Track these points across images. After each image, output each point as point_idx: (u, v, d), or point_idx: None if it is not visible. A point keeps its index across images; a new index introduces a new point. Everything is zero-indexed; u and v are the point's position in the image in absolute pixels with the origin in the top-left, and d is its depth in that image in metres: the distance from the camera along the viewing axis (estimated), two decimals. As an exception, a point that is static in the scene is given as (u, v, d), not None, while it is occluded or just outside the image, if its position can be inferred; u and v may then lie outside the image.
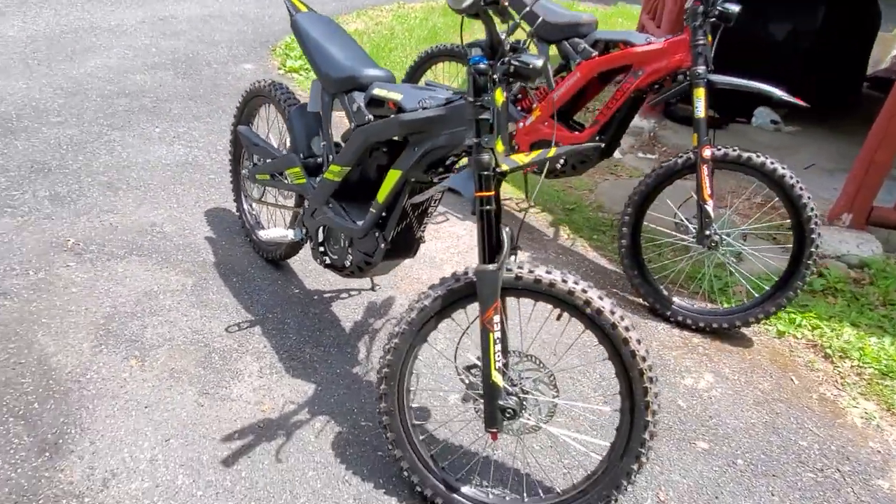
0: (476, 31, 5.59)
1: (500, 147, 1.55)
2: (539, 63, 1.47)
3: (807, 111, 4.79)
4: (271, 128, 2.73)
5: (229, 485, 1.76)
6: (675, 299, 2.65)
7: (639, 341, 1.57)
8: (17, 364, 2.06)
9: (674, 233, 2.72)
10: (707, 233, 2.49)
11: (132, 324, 2.29)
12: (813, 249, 2.40)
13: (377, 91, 1.83)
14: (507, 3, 1.40)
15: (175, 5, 6.01)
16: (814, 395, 2.39)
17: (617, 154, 4.05)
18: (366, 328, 2.43)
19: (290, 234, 2.22)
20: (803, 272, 2.43)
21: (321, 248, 2.18)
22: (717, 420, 2.22)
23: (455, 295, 1.66)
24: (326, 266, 2.20)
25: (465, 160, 1.78)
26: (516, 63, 1.47)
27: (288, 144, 2.48)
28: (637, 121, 4.35)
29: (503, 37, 1.49)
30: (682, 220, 2.63)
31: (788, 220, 2.45)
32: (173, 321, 2.33)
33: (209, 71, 4.65)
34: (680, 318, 2.62)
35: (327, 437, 1.95)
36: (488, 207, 1.55)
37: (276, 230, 2.21)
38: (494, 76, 1.48)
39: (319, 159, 2.25)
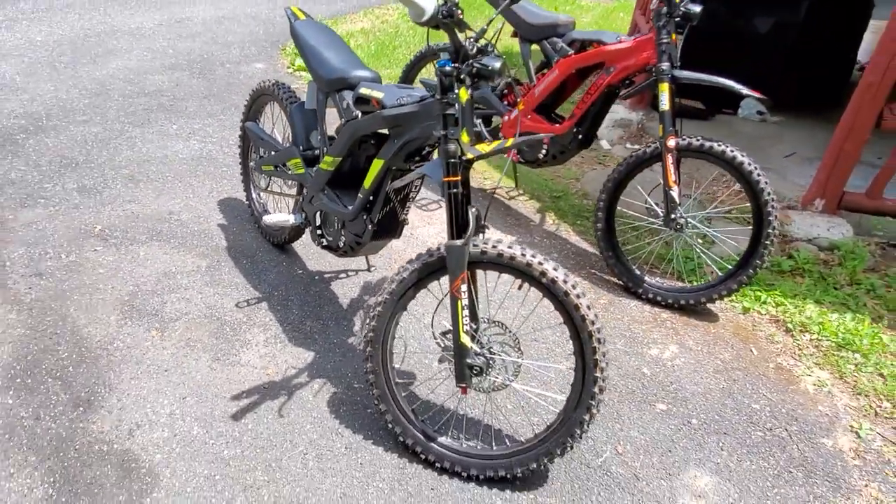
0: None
1: (465, 138, 1.79)
2: (497, 64, 1.71)
3: (793, 102, 4.97)
4: (276, 123, 2.99)
5: (237, 434, 2.03)
6: (647, 278, 2.88)
7: (588, 307, 1.81)
8: (54, 334, 2.34)
9: (645, 217, 2.94)
10: (673, 216, 2.71)
11: (153, 300, 2.57)
12: (770, 230, 2.61)
13: (363, 90, 2.08)
14: (461, 17, 1.64)
15: (191, 8, 6.31)
16: (771, 365, 2.60)
17: (606, 145, 4.26)
18: (361, 304, 2.69)
19: (291, 219, 2.48)
20: (762, 251, 2.64)
21: (318, 231, 2.44)
22: (678, 385, 2.44)
23: (429, 268, 1.91)
24: (323, 247, 2.46)
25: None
26: (478, 65, 1.71)
27: (290, 138, 2.75)
28: (625, 113, 4.56)
29: (472, 41, 1.73)
30: (651, 204, 2.85)
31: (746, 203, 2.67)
32: (189, 298, 2.61)
33: (223, 71, 4.93)
34: (651, 296, 2.85)
35: (324, 397, 2.21)
36: (455, 190, 1.79)
37: (279, 215, 2.47)
38: (461, 77, 1.73)
39: (317, 151, 2.51)
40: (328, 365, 2.36)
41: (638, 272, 2.90)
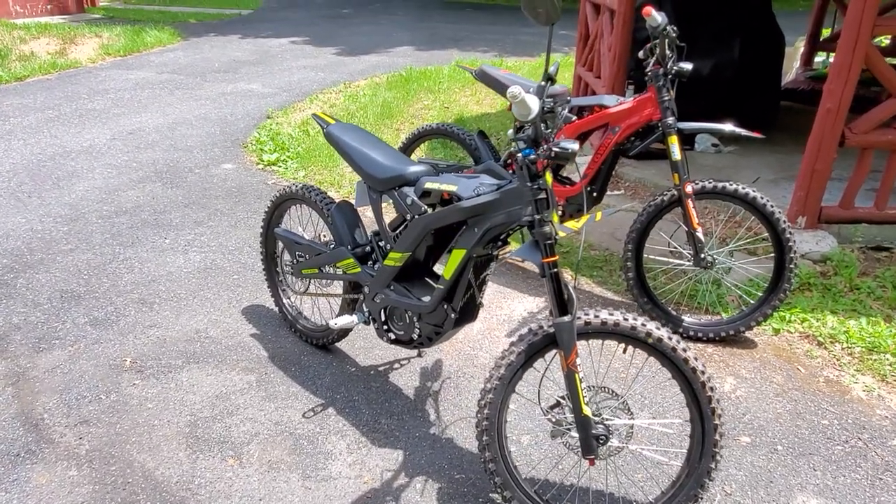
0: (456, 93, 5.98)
1: (555, 218, 1.87)
2: (575, 146, 1.81)
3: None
4: (302, 226, 2.97)
5: (362, 553, 1.95)
6: (685, 317, 3.01)
7: (696, 358, 1.88)
8: (126, 483, 2.19)
9: (671, 260, 3.09)
10: (702, 255, 2.87)
11: (216, 426, 2.45)
12: (792, 255, 2.81)
13: (429, 184, 2.13)
14: (558, 109, 1.74)
15: (138, 117, 6.20)
16: (820, 379, 2.76)
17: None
18: (427, 392, 2.66)
19: (355, 319, 2.46)
20: (788, 275, 2.83)
21: (385, 327, 2.43)
22: (750, 416, 2.55)
23: (535, 347, 1.94)
24: (392, 342, 2.44)
25: (516, 233, 2.09)
26: (557, 149, 1.80)
27: (323, 239, 2.75)
28: (600, 163, 4.80)
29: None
30: (675, 247, 3.01)
31: (759, 234, 2.86)
32: (253, 417, 2.50)
33: (193, 176, 4.85)
34: (692, 334, 2.97)
35: (431, 495, 2.16)
36: (556, 270, 1.85)
37: (344, 318, 2.44)
38: (545, 163, 1.82)
39: (367, 248, 2.52)
40: (421, 460, 2.31)
41: (675, 313, 3.02)
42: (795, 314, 3.15)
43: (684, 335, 2.98)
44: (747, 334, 3.03)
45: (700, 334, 2.97)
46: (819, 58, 7.10)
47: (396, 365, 2.83)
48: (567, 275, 3.57)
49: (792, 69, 7.15)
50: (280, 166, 5.12)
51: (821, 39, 7.04)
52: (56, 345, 2.92)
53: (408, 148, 3.75)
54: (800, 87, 6.63)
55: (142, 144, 5.46)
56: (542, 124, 1.80)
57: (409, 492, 2.17)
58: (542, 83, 1.76)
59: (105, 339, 2.96)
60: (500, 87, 3.33)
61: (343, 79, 8.18)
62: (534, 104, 1.68)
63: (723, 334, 2.95)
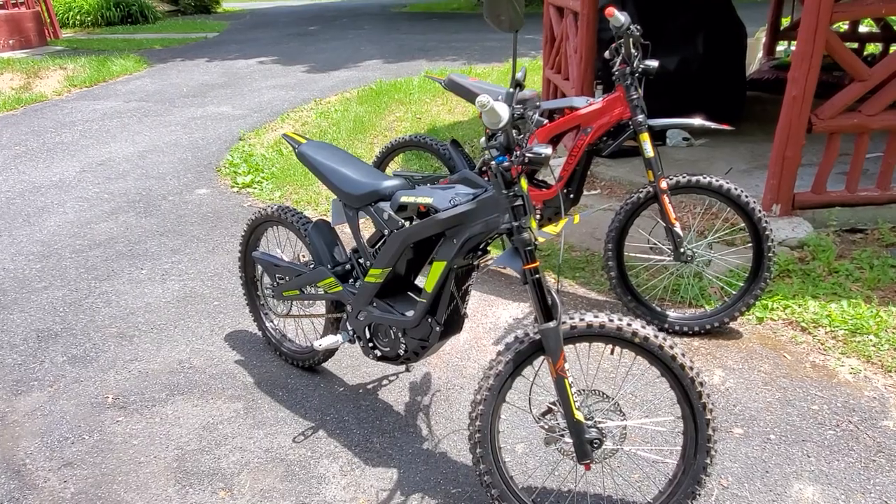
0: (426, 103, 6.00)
1: (533, 224, 1.86)
2: (548, 151, 1.81)
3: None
4: (283, 247, 2.93)
5: (361, 578, 1.91)
6: (669, 312, 3.02)
7: (683, 354, 1.88)
8: (115, 525, 2.13)
9: (651, 256, 3.11)
10: (681, 250, 2.88)
11: (205, 458, 2.40)
12: (770, 244, 2.83)
13: (405, 198, 2.11)
14: (523, 120, 1.74)
15: (107, 148, 6.11)
16: (806, 365, 2.78)
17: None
18: (418, 406, 2.64)
19: (339, 338, 2.43)
20: (767, 264, 2.85)
21: (370, 344, 2.40)
22: (741, 407, 2.55)
23: (522, 356, 1.93)
24: (378, 359, 2.41)
25: (497, 241, 2.08)
26: (530, 155, 1.80)
27: (302, 259, 2.72)
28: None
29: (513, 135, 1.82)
30: (655, 243, 3.02)
31: (736, 225, 2.88)
32: (241, 446, 2.46)
33: (167, 204, 4.78)
34: (677, 328, 2.98)
35: (428, 512, 2.13)
36: (537, 276, 1.84)
37: (328, 338, 2.41)
38: (519, 169, 1.81)
39: (347, 266, 2.49)
40: (416, 477, 2.28)
41: (659, 309, 3.03)
42: (777, 301, 3.17)
43: (670, 330, 2.99)
44: (732, 325, 3.04)
45: (685, 328, 2.98)
46: (781, 46, 7.22)
47: (385, 381, 2.80)
48: (550, 278, 3.57)
49: (755, 60, 7.26)
50: (255, 188, 5.07)
51: (781, 29, 7.17)
52: (35, 386, 2.84)
53: (382, 162, 3.74)
54: (764, 76, 6.73)
55: (112, 175, 5.38)
56: (513, 131, 1.79)
57: (406, 510, 2.14)
58: (511, 90, 1.76)
59: (85, 377, 2.89)
60: (469, 96, 3.34)
61: (314, 96, 8.15)
62: (503, 112, 1.67)
63: (708, 327, 2.96)
